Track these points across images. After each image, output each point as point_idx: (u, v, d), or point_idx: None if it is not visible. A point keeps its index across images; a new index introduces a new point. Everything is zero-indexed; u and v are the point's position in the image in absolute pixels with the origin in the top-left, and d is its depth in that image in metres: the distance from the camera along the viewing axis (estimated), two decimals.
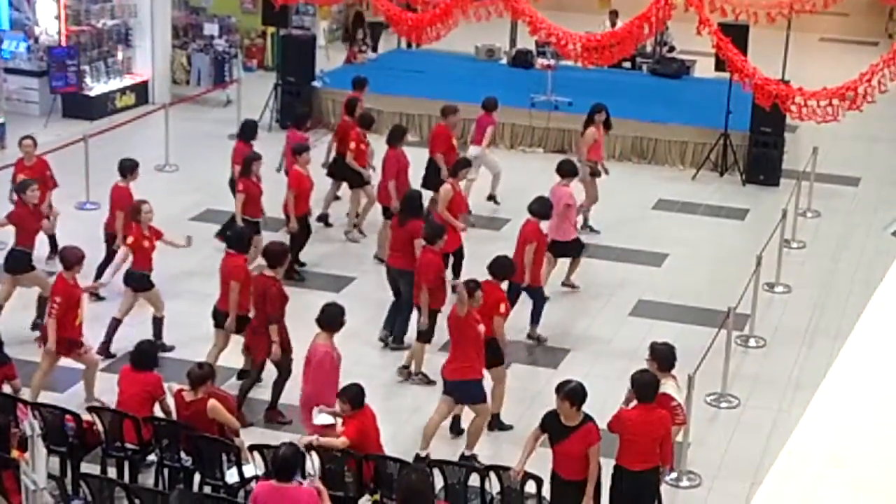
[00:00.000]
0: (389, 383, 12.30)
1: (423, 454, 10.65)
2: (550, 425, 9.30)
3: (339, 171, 16.03)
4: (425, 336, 12.27)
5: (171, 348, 12.67)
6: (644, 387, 9.28)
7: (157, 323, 12.79)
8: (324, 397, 10.06)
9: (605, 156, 16.80)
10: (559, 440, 9.25)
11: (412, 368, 12.38)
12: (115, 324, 12.62)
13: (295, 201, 14.35)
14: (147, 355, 10.49)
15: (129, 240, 12.65)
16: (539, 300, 13.18)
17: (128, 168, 13.84)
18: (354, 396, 9.62)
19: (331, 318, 10.42)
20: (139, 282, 12.64)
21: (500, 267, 11.46)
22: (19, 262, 12.95)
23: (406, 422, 11.51)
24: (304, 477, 8.90)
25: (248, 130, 15.55)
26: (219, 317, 11.97)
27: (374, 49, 23.95)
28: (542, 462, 9.38)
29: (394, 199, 14.50)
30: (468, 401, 10.88)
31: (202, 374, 10.07)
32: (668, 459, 9.51)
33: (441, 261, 12.45)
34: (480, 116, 16.90)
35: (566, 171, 14.19)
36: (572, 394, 9.16)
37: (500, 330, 11.20)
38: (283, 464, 8.57)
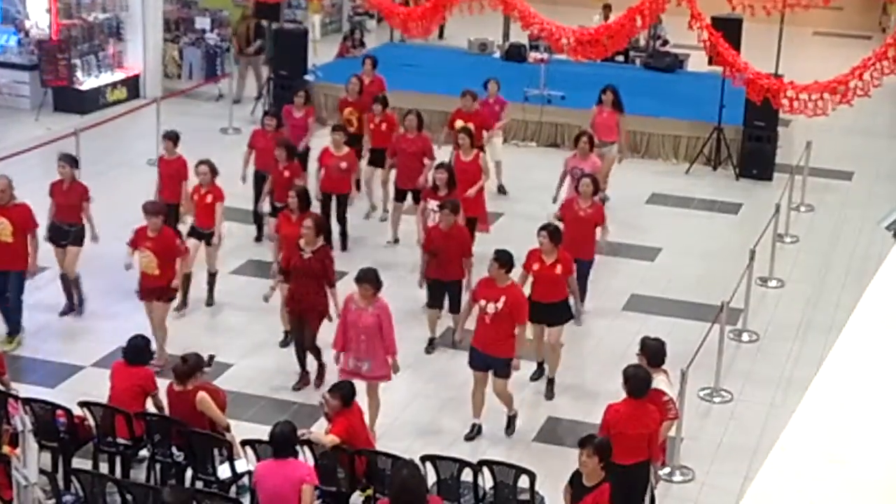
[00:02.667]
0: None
1: (513, 413, 11.24)
2: (574, 486, 8.73)
3: None
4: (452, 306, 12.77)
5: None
6: (636, 382, 9.25)
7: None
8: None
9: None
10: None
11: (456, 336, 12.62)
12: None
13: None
14: (140, 350, 10.45)
15: (209, 199, 13.56)
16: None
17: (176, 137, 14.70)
18: (346, 394, 9.65)
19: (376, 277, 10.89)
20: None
21: (559, 232, 11.96)
22: None
23: (398, 416, 11.52)
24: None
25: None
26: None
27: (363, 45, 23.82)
28: (536, 458, 9.36)
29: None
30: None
31: (186, 369, 10.02)
32: (658, 456, 9.48)
33: (436, 235, 12.65)
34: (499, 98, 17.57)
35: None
36: (604, 448, 8.57)
37: (573, 284, 12.04)
38: (280, 440, 8.78)
